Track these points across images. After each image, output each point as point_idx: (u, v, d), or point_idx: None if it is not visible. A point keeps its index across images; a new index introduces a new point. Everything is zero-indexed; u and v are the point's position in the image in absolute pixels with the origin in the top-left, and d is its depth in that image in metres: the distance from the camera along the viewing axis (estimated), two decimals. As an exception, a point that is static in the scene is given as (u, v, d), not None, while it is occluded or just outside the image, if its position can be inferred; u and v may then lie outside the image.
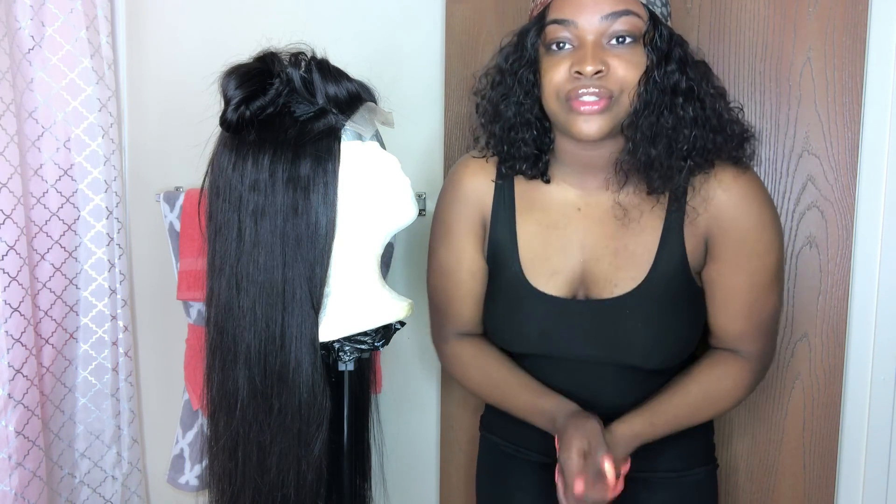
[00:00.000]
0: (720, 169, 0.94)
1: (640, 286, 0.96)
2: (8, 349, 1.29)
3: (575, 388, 1.02)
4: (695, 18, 1.22)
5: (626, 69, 0.87)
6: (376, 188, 0.94)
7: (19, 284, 1.31)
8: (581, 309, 0.99)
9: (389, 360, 1.46)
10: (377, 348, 1.00)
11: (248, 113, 0.88)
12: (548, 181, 1.01)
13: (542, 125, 0.97)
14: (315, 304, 0.89)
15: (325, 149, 0.89)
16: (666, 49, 0.89)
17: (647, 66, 0.88)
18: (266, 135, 0.88)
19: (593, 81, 0.86)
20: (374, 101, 0.98)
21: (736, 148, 0.94)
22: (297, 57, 0.92)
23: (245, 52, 0.94)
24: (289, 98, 0.90)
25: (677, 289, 0.97)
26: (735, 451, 1.28)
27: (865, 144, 1.18)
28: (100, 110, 1.46)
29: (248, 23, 1.47)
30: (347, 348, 0.98)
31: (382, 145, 1.00)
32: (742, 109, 0.97)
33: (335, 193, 0.89)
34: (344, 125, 0.92)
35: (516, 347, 1.04)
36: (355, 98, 0.93)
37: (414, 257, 1.45)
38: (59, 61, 1.41)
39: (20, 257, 1.31)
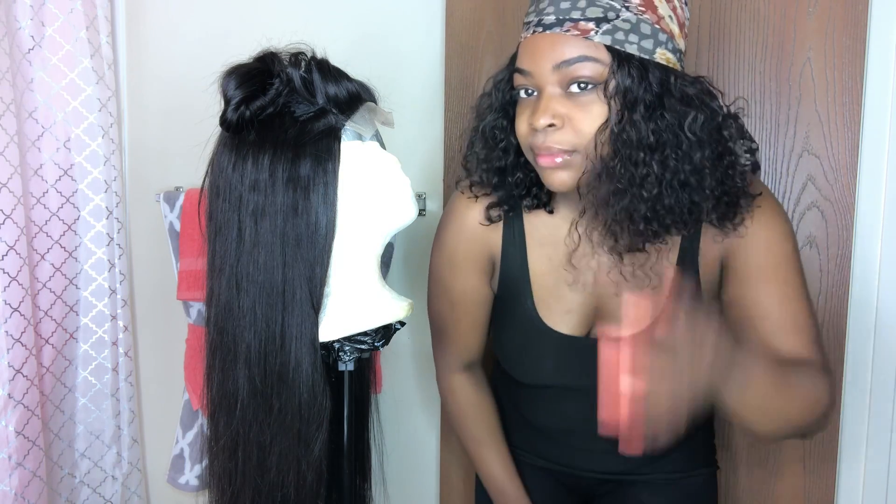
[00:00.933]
0: (718, 220, 0.88)
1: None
2: (8, 349, 1.29)
3: (586, 414, 1.00)
4: (695, 18, 1.22)
5: (585, 121, 0.81)
6: (376, 188, 0.94)
7: (19, 284, 1.31)
8: (596, 347, 0.97)
9: (389, 360, 1.46)
10: (377, 348, 1.00)
11: (248, 113, 0.88)
12: (551, 211, 0.98)
13: (528, 164, 0.93)
14: (315, 304, 0.89)
15: (325, 149, 0.89)
16: (634, 95, 0.80)
17: (612, 114, 0.80)
18: (266, 135, 0.88)
19: (549, 135, 0.82)
20: (374, 101, 0.98)
21: (725, 210, 0.86)
22: (297, 57, 0.92)
23: (245, 52, 0.94)
24: (289, 98, 0.90)
25: None
26: (735, 451, 1.28)
27: (865, 144, 1.18)
28: (100, 110, 1.46)
29: (248, 23, 1.47)
30: (347, 348, 0.98)
31: (382, 145, 1.00)
32: (755, 144, 0.87)
33: (335, 193, 0.89)
34: (344, 125, 0.92)
35: (529, 380, 1.03)
36: (355, 98, 0.93)
37: (414, 257, 1.45)
38: (59, 61, 1.41)
39: (20, 257, 1.31)
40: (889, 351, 1.21)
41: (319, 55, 0.94)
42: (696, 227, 0.89)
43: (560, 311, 0.98)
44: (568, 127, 0.81)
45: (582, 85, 0.81)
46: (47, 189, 1.43)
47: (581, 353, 0.98)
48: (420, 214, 1.29)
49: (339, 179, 0.89)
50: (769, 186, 1.22)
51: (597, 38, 0.80)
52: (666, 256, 0.93)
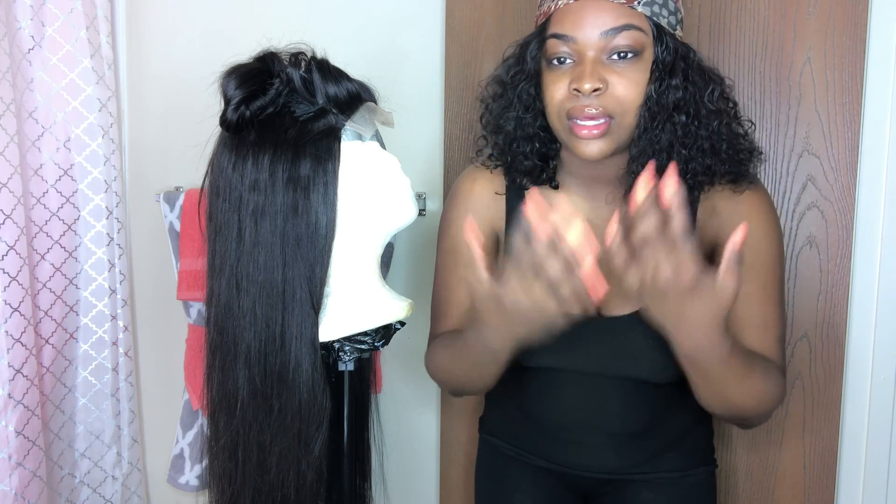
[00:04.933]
0: (728, 182, 0.93)
1: None
2: (8, 349, 1.29)
3: (582, 401, 1.01)
4: (695, 18, 1.22)
5: (627, 87, 0.84)
6: (376, 188, 0.94)
7: (19, 284, 1.31)
8: (593, 326, 0.98)
9: (389, 360, 1.46)
10: (377, 348, 1.00)
11: (248, 113, 0.88)
12: (556, 187, 0.99)
13: (546, 135, 0.95)
14: (315, 304, 0.89)
15: (325, 149, 0.89)
16: (671, 63, 0.86)
17: (650, 82, 0.85)
18: (266, 135, 0.88)
19: (592, 100, 0.84)
20: (374, 101, 0.98)
21: (732, 173, 0.91)
22: (297, 57, 0.92)
23: (245, 52, 0.94)
24: (289, 98, 0.90)
25: None
26: (735, 451, 1.28)
27: (865, 144, 1.18)
28: (100, 110, 1.46)
29: (248, 23, 1.47)
30: (347, 348, 0.98)
31: (382, 145, 1.00)
32: (753, 124, 0.94)
33: (335, 193, 0.89)
34: (344, 125, 0.92)
35: (526, 361, 1.02)
36: (355, 98, 0.93)
37: (414, 257, 1.45)
38: (59, 61, 1.41)
39: (20, 257, 1.31)
40: (889, 350, 1.22)
41: (319, 55, 0.94)
42: (699, 194, 0.93)
43: None
44: (609, 92, 0.84)
45: (621, 54, 0.84)
46: (47, 189, 1.43)
47: (578, 332, 0.97)
48: (420, 214, 1.29)
49: (339, 179, 0.89)
50: (769, 186, 1.22)
51: (640, 8, 0.84)
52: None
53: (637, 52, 0.84)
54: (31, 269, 1.38)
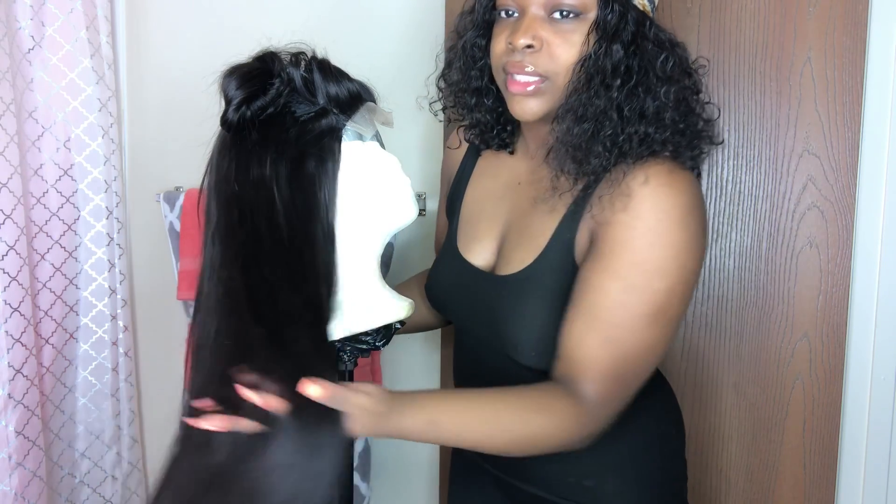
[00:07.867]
0: (645, 163, 0.82)
1: (523, 270, 0.89)
2: (8, 349, 1.29)
3: (471, 368, 1.01)
4: (695, 18, 1.22)
5: (563, 47, 0.81)
6: (376, 188, 0.94)
7: (19, 284, 1.31)
8: (474, 280, 0.95)
9: (389, 360, 1.46)
10: (378, 348, 1.00)
11: (248, 113, 0.88)
12: (511, 153, 0.99)
13: (497, 91, 0.92)
14: (315, 304, 0.89)
15: (325, 149, 0.89)
16: (614, 28, 0.80)
17: (590, 44, 0.81)
18: (267, 135, 0.88)
19: (525, 57, 0.82)
20: (375, 101, 0.98)
21: (675, 144, 0.83)
22: (297, 57, 0.92)
23: (245, 52, 0.94)
24: (289, 98, 0.90)
25: (562, 283, 0.85)
26: (735, 451, 1.28)
27: (865, 144, 1.18)
28: (100, 110, 1.46)
29: (248, 23, 1.46)
30: (348, 348, 0.98)
31: (382, 145, 1.00)
32: (719, 109, 0.89)
33: (335, 193, 0.89)
34: (344, 125, 0.92)
35: (434, 304, 1.05)
36: (356, 98, 0.93)
37: (414, 257, 1.45)
38: (59, 61, 1.41)
39: (20, 257, 1.31)
40: (889, 351, 1.22)
41: (320, 55, 0.94)
42: (638, 159, 0.83)
43: (469, 237, 1.01)
44: (545, 51, 0.82)
45: (565, 13, 0.81)
46: (47, 189, 1.43)
47: (465, 283, 0.97)
48: (420, 214, 1.29)
49: (340, 179, 0.90)
50: (769, 186, 1.22)
51: None
52: (558, 207, 0.89)
53: (578, 13, 0.81)
54: (31, 269, 1.38)
